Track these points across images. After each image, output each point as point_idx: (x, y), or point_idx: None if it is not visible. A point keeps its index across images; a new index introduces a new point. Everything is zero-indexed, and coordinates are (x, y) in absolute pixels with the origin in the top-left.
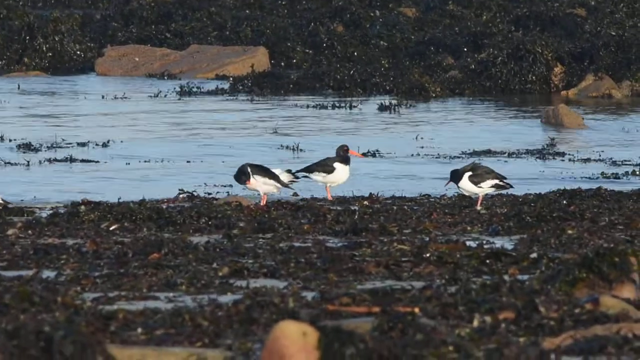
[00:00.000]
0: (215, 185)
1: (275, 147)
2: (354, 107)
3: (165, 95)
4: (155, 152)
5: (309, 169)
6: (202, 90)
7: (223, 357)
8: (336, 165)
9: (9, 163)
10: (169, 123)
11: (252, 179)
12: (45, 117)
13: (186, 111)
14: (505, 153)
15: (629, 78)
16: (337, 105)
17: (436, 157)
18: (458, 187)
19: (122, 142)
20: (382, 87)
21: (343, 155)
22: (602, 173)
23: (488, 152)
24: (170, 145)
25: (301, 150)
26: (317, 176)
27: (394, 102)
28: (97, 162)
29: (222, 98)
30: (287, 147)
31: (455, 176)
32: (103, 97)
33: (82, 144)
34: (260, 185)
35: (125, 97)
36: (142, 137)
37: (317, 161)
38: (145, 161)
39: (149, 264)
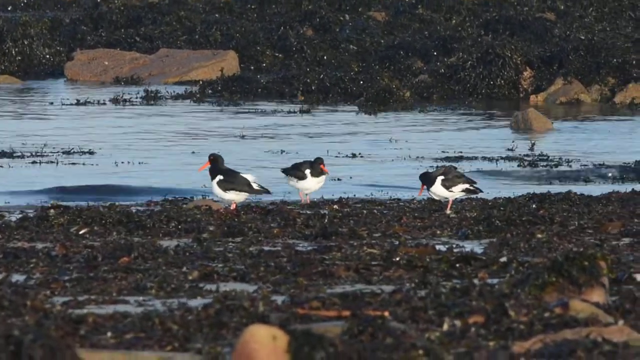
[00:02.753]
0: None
1: (244, 152)
2: (316, 109)
3: (130, 100)
4: (127, 157)
5: (286, 171)
6: (170, 94)
7: None
8: (307, 172)
9: None
10: (137, 130)
11: (216, 187)
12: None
13: (152, 115)
14: (475, 157)
15: (598, 82)
16: (306, 110)
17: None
18: (429, 191)
19: (100, 149)
20: (351, 91)
21: (316, 168)
22: (573, 176)
23: (459, 158)
24: (140, 151)
25: (273, 154)
26: (291, 180)
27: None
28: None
29: (191, 102)
30: (259, 151)
31: (428, 180)
32: (63, 104)
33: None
34: (229, 195)
35: (101, 103)
36: (116, 144)
37: (293, 164)
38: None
39: (118, 268)
